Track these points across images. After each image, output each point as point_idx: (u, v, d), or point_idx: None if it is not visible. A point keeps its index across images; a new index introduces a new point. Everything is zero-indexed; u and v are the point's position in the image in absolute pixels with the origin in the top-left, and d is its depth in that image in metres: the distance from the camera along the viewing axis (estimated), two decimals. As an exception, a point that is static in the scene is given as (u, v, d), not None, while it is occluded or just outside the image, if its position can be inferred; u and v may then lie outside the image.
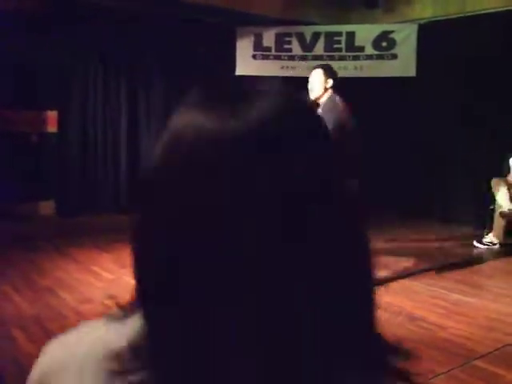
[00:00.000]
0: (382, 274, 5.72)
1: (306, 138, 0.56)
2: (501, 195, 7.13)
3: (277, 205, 0.51)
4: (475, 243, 7.25)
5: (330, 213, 0.55)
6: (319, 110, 4.97)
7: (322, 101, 5.11)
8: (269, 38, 9.49)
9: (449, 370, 3.61)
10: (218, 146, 0.52)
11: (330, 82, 5.15)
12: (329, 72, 5.19)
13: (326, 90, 5.14)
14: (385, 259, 6.42)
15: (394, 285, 5.41)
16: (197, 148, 0.53)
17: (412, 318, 4.49)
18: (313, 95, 5.14)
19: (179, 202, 0.52)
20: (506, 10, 7.75)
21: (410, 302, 4.89)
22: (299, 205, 0.52)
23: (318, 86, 5.13)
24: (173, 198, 0.53)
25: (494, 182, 7.24)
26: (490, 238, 7.25)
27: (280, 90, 0.63)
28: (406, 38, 9.01)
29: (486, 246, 7.20)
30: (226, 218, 0.51)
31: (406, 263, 6.26)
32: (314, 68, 5.32)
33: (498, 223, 7.18)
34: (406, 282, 5.54)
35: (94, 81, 8.92)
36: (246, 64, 9.46)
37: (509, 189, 7.11)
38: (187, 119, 0.56)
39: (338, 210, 0.56)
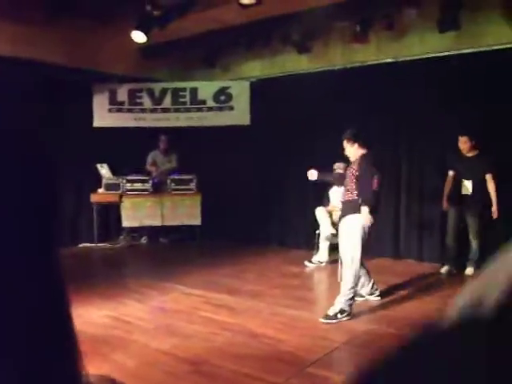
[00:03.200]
0: (228, 296, 5.78)
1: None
2: (323, 222, 7.48)
3: None
4: (306, 263, 7.53)
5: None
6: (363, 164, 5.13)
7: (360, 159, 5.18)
8: (122, 93, 9.38)
9: (287, 379, 3.68)
10: None
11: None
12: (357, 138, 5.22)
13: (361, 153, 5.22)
14: (231, 282, 6.51)
15: (238, 306, 5.45)
16: None
17: (255, 336, 4.50)
18: (352, 159, 5.27)
19: None
20: (316, 72, 8.31)
21: (252, 321, 4.90)
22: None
23: (354, 153, 5.20)
24: None
25: (318, 210, 7.57)
26: (318, 257, 7.56)
27: None
28: (241, 92, 9.29)
29: (315, 265, 7.51)
30: None
31: (249, 285, 6.35)
32: (344, 139, 5.28)
33: (323, 245, 7.52)
34: (248, 303, 5.54)
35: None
36: (103, 117, 9.27)
37: (329, 216, 7.48)
38: None
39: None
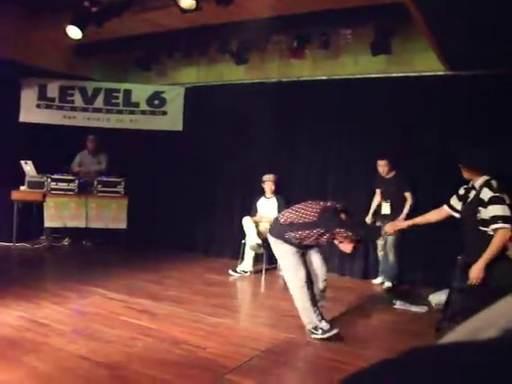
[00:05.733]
0: (150, 301, 5.66)
1: None
2: (250, 232, 7.50)
3: None
4: (230, 272, 7.50)
5: None
6: None
7: None
8: (53, 89, 9.04)
9: (204, 387, 3.64)
10: None
11: None
12: None
13: None
14: (153, 287, 6.39)
15: (160, 311, 5.33)
16: None
17: (176, 342, 4.39)
18: None
19: None
20: (252, 83, 8.37)
21: (174, 327, 4.79)
22: None
23: None
24: None
25: (245, 220, 7.58)
26: (242, 267, 7.56)
27: None
28: (175, 97, 9.18)
29: (239, 274, 7.50)
30: None
31: (172, 291, 6.26)
32: None
33: (248, 255, 7.53)
34: (170, 309, 5.41)
35: None
36: (30, 112, 8.90)
37: (256, 226, 7.51)
38: None
39: None
